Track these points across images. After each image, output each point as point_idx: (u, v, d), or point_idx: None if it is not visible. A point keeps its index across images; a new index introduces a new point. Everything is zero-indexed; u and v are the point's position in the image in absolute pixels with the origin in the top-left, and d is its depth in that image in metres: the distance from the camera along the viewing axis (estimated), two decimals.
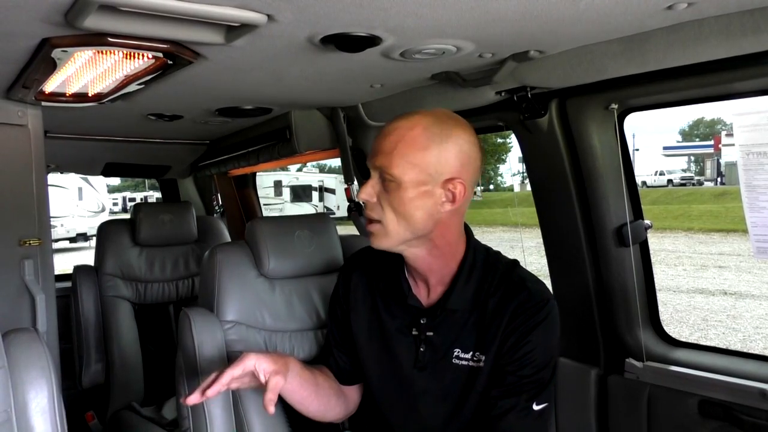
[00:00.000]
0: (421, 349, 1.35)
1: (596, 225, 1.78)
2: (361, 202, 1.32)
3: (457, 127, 1.25)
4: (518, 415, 1.24)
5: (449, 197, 1.24)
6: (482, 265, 1.34)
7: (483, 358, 1.29)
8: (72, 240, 16.89)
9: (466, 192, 1.24)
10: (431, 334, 1.34)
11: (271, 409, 1.20)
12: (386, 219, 1.26)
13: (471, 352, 1.31)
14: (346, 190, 2.46)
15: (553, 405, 1.30)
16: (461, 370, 1.31)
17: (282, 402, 1.59)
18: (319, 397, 1.42)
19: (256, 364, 1.26)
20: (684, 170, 37.38)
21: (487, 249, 1.39)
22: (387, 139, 1.25)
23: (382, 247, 1.30)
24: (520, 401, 1.24)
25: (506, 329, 1.27)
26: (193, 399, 1.23)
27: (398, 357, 1.38)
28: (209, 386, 1.22)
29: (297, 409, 1.43)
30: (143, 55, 1.45)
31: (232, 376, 1.25)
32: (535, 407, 1.25)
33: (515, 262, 1.37)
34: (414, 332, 1.36)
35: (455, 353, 1.32)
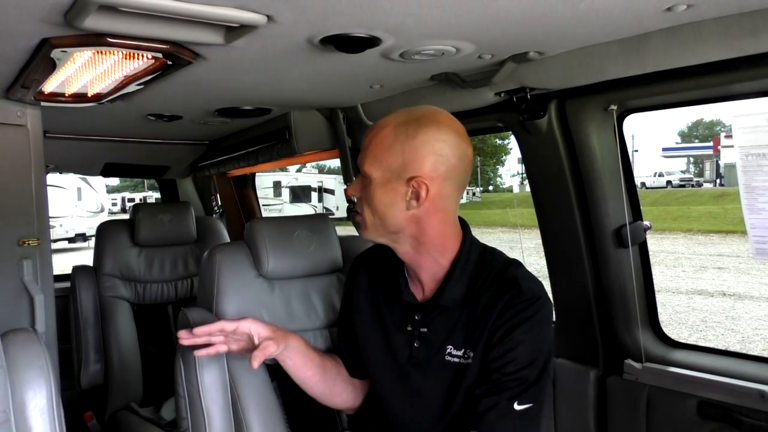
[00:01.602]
0: (416, 345, 1.36)
1: (595, 226, 1.78)
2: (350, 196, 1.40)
3: (428, 125, 1.26)
4: (497, 413, 1.22)
5: (414, 195, 1.26)
6: (476, 263, 1.34)
7: (472, 354, 1.30)
8: (71, 240, 16.89)
9: (429, 191, 1.25)
10: (425, 330, 1.35)
11: (255, 364, 1.31)
12: (364, 213, 1.33)
13: (462, 349, 1.31)
14: (345, 190, 2.46)
15: (540, 407, 1.27)
16: (452, 367, 1.32)
17: (281, 401, 1.60)
18: (325, 379, 1.49)
19: (252, 327, 1.38)
20: (683, 171, 37.41)
21: (485, 247, 1.39)
22: (365, 139, 1.33)
23: (366, 238, 1.38)
24: (500, 400, 1.23)
25: (494, 325, 1.27)
26: (184, 335, 1.37)
27: (396, 351, 1.40)
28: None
29: (303, 388, 1.50)
30: (143, 56, 1.45)
31: (223, 328, 1.37)
32: (517, 407, 1.22)
33: (513, 261, 1.37)
34: (408, 328, 1.38)
35: (448, 350, 1.33)
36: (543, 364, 1.27)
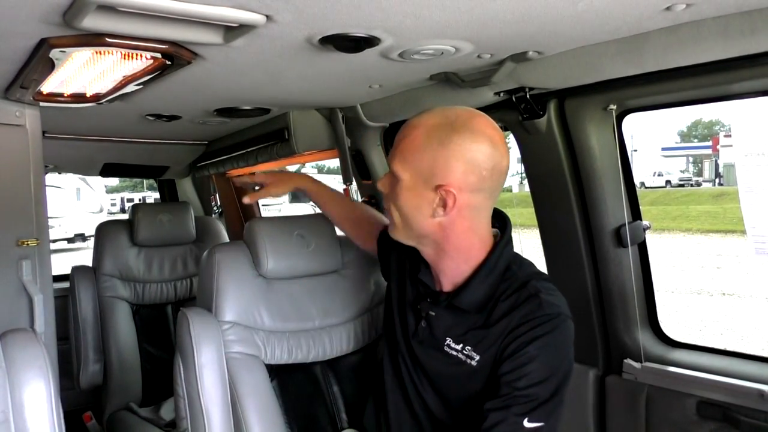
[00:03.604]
0: (422, 325, 1.37)
1: (595, 226, 1.78)
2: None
3: (462, 132, 1.21)
4: (507, 429, 1.18)
5: (441, 203, 1.23)
6: (501, 273, 1.30)
7: (477, 357, 1.27)
8: (70, 240, 16.85)
9: (457, 201, 1.22)
10: (433, 314, 1.36)
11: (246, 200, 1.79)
12: (392, 212, 1.32)
13: (461, 345, 1.30)
14: (344, 190, 2.46)
15: (553, 428, 1.22)
16: (452, 359, 1.31)
17: (281, 401, 1.60)
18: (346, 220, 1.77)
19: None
20: (682, 171, 37.39)
21: (515, 257, 1.35)
22: (398, 136, 1.29)
23: (394, 238, 1.35)
24: (509, 415, 1.18)
25: (508, 336, 1.24)
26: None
27: (406, 323, 1.42)
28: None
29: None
30: (141, 56, 1.45)
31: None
32: (527, 424, 1.18)
33: (539, 274, 1.33)
34: (418, 307, 1.39)
35: (447, 341, 1.32)
36: (558, 383, 1.22)
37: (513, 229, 1.38)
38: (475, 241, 1.30)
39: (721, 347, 2.56)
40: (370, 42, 1.34)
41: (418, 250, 1.36)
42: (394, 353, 1.45)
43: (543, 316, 1.22)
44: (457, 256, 1.30)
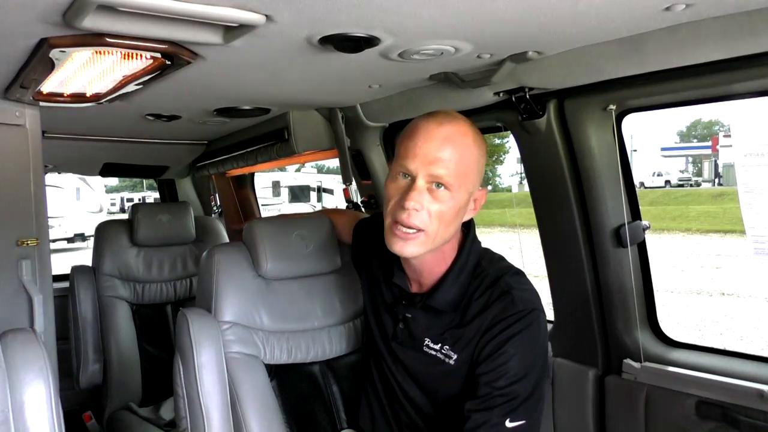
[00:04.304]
0: (400, 327, 1.40)
1: (594, 226, 1.78)
2: (410, 209, 1.23)
3: (480, 135, 1.31)
4: (489, 431, 1.19)
5: (473, 206, 1.31)
6: (472, 269, 1.34)
7: (455, 356, 1.29)
8: (70, 240, 16.84)
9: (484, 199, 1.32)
10: (409, 316, 1.39)
11: None
12: (432, 228, 1.24)
13: (440, 344, 1.32)
14: (344, 190, 2.46)
15: (535, 424, 1.24)
16: (431, 359, 1.33)
17: (280, 401, 1.60)
18: None
19: None
20: (682, 171, 37.36)
21: (484, 252, 1.39)
22: (442, 146, 1.23)
23: (413, 255, 1.29)
24: (492, 416, 1.20)
25: (484, 335, 1.26)
26: None
27: (384, 326, 1.45)
28: None
29: None
30: (141, 56, 1.45)
31: None
32: (509, 424, 1.19)
33: (510, 270, 1.35)
34: (395, 309, 1.42)
35: (426, 342, 1.35)
36: (536, 379, 1.24)
37: (513, 229, 1.41)
38: (458, 237, 1.36)
39: (721, 347, 2.56)
40: (370, 42, 1.34)
41: (389, 256, 1.37)
42: (377, 356, 1.48)
43: (517, 314, 1.24)
44: (448, 256, 1.34)
